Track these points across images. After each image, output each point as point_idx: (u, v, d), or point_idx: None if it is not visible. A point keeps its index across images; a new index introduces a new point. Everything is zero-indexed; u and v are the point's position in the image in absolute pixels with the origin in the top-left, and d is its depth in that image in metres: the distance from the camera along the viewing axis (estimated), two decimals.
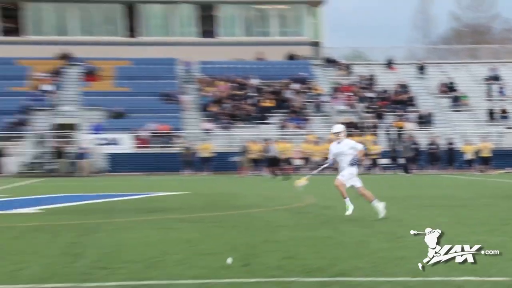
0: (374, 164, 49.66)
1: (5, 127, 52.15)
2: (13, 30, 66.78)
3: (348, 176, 17.79)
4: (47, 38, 65.65)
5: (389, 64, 65.27)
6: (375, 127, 54.26)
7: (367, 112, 57.19)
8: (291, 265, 11.04)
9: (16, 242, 14.64)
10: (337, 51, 69.39)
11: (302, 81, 60.82)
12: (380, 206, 17.65)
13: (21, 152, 50.51)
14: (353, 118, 56.04)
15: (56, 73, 60.76)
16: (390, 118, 55.92)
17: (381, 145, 50.97)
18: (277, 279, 9.69)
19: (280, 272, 10.28)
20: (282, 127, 54.48)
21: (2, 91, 56.83)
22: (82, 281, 9.80)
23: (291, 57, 65.97)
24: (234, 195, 28.17)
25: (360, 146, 18.05)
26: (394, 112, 56.92)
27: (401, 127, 53.28)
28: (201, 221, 17.86)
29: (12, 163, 49.30)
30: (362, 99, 59.14)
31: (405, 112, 57.10)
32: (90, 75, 60.97)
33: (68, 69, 61.93)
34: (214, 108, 56.56)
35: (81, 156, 48.95)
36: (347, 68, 64.65)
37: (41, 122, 53.83)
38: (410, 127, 53.88)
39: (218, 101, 57.47)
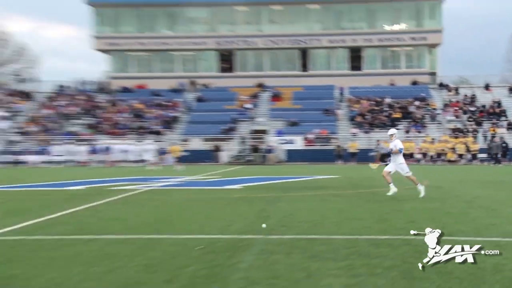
0: (474, 157, 47.71)
1: (220, 131, 53.12)
2: (228, 68, 68.01)
3: (405, 167, 17.70)
4: (249, 73, 66.54)
5: (487, 87, 62.24)
6: (475, 131, 52.07)
7: (469, 121, 54.79)
8: (412, 227, 10.66)
9: (226, 208, 15.06)
10: (448, 78, 67.14)
11: (422, 99, 59.07)
12: (393, 189, 17.39)
13: (230, 148, 51.36)
14: (459, 125, 53.86)
15: (254, 96, 61.40)
16: (486, 125, 53.45)
17: (479, 144, 48.94)
18: (402, 237, 9.72)
19: (404, 232, 10.07)
20: (407, 131, 53.05)
21: (219, 108, 57.98)
22: (269, 234, 10.32)
23: (414, 83, 64.17)
24: (371, 178, 27.46)
25: (397, 147, 17.69)
26: (489, 121, 54.40)
27: (494, 131, 50.88)
28: (349, 196, 17.59)
29: (225, 156, 50.21)
30: (465, 112, 56.83)
31: (498, 121, 54.53)
32: (276, 97, 61.28)
33: (261, 94, 62.41)
34: (359, 119, 55.73)
35: (269, 151, 49.28)
36: (455, 90, 62.27)
37: (243, 128, 54.39)
38: (501, 131, 51.39)
39: (361, 114, 56.54)
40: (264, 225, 11.03)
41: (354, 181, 25.44)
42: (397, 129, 52.05)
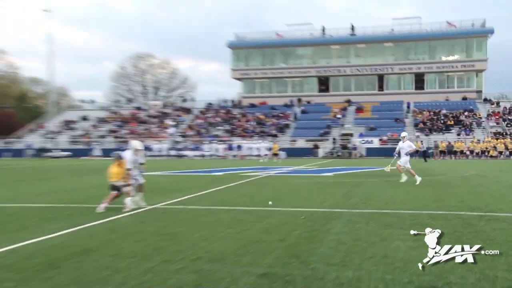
0: (511, 154, 44.51)
1: (318, 134, 52.60)
2: (325, 89, 67.00)
3: (404, 162, 16.65)
4: (340, 93, 65.34)
5: None
6: None
7: (508, 126, 51.21)
8: (462, 205, 10.55)
9: (321, 189, 14.93)
10: (491, 94, 62.61)
11: (470, 110, 55.77)
12: (418, 179, 16.02)
13: (325, 146, 50.56)
14: (499, 130, 50.53)
15: (343, 109, 60.28)
16: None
17: None
18: (454, 212, 9.48)
19: (455, 209, 9.98)
20: (458, 134, 50.28)
21: (318, 118, 57.55)
22: (353, 209, 10.19)
23: (464, 98, 60.47)
24: (430, 169, 26.41)
25: (413, 147, 16.94)
26: None
27: None
28: (412, 182, 16.55)
29: (321, 152, 49.39)
30: (505, 120, 53.06)
31: None
32: (359, 109, 59.82)
33: (349, 107, 61.02)
34: (421, 125, 53.35)
35: (353, 148, 48.16)
36: (496, 103, 58.27)
37: (335, 132, 53.57)
38: None
39: (423, 122, 54.13)
40: (270, 202, 10.62)
41: (417, 171, 24.40)
42: (450, 132, 50.63)
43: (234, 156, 48.13)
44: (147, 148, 50.89)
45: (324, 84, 67.38)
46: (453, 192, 13.55)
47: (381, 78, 65.45)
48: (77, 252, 6.35)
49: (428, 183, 16.29)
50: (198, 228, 8.12)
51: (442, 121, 53.90)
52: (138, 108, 67.82)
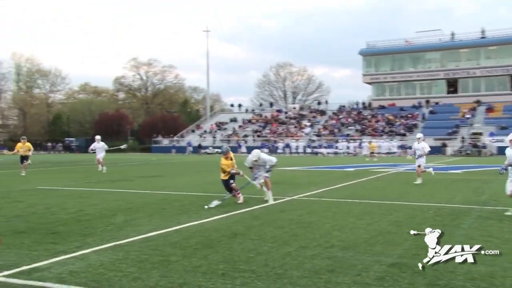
0: None
1: (446, 134, 49.13)
2: (453, 91, 62.21)
3: (423, 162, 14.85)
4: (469, 94, 60.06)
5: None
6: None
7: None
8: None
9: (450, 185, 13.73)
10: None
11: None
12: (419, 181, 14.45)
13: (453, 145, 46.85)
14: None
15: (473, 109, 55.43)
16: None
17: None
18: None
19: None
20: None
21: (446, 118, 53.77)
22: (483, 205, 9.53)
23: None
24: None
25: (427, 149, 15.02)
26: None
27: None
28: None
29: (449, 150, 45.82)
30: None
31: None
32: (489, 109, 54.51)
33: (478, 107, 55.86)
34: None
35: (483, 147, 43.95)
36: None
37: (464, 131, 49.47)
38: None
39: None
40: (206, 207, 8.98)
41: None
42: None
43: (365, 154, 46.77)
44: (287, 146, 51.97)
45: (452, 86, 62.68)
46: None
47: None
48: (227, 235, 6.60)
49: None
50: (330, 218, 8.01)
51: None
52: (279, 111, 69.21)
